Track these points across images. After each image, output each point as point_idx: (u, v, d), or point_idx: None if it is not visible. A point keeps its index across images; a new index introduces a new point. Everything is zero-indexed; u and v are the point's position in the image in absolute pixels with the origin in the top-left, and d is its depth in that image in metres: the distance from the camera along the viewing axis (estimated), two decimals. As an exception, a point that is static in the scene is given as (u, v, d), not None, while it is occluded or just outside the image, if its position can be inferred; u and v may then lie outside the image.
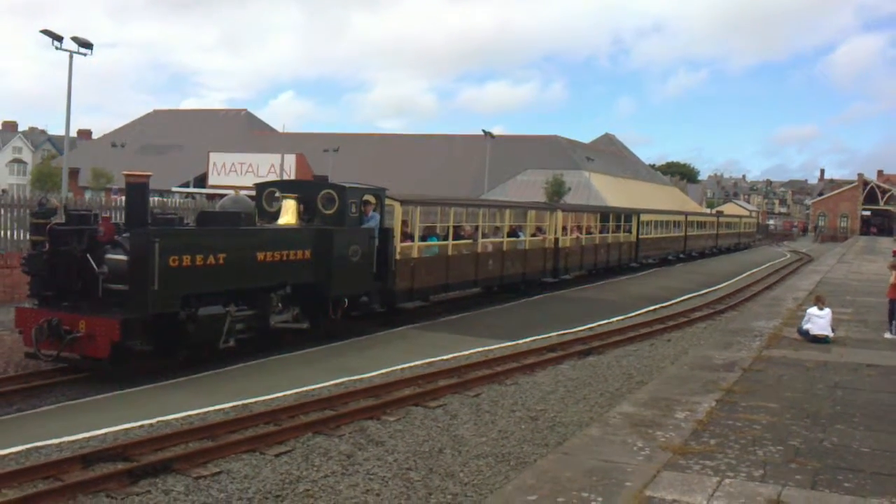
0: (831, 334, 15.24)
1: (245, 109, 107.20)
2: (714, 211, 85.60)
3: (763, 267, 42.54)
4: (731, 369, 12.86)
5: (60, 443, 9.01)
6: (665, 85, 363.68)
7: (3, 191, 66.95)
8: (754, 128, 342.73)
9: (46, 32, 30.48)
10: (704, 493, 6.95)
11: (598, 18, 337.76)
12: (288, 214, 15.70)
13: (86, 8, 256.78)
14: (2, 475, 7.79)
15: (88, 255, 12.35)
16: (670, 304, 24.50)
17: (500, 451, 9.49)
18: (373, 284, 16.77)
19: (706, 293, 28.12)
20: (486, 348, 15.72)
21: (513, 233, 24.38)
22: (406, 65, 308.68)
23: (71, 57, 31.41)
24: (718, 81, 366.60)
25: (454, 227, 21.01)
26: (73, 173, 72.05)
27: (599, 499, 6.81)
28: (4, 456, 8.53)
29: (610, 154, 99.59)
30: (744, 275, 36.77)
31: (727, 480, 7.31)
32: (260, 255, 13.90)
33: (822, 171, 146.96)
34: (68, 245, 12.44)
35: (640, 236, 36.11)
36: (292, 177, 61.69)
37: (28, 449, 8.75)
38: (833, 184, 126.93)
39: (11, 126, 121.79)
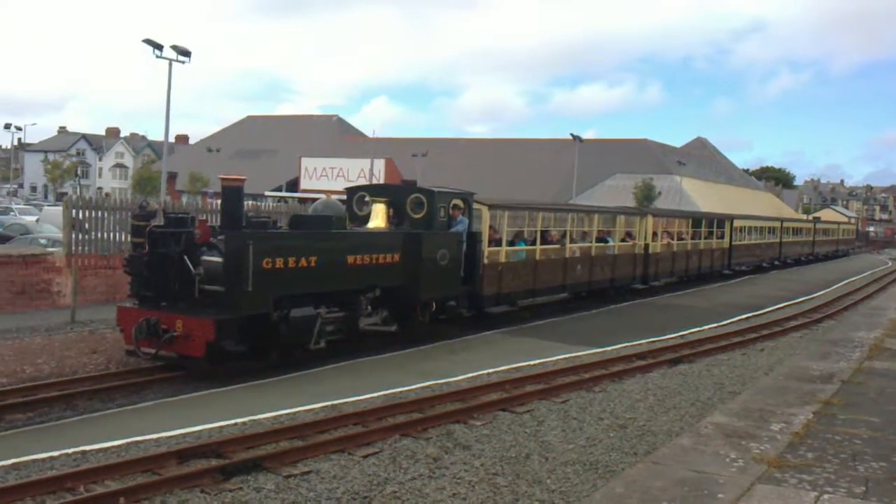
0: (937, 346, 14.59)
1: (336, 115, 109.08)
2: (811, 217, 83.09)
3: (863, 275, 41.04)
4: (829, 381, 12.45)
5: (158, 438, 9.30)
6: (765, 87, 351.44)
7: (107, 194, 69.69)
8: (858, 130, 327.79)
9: (148, 41, 31.60)
10: (801, 508, 6.75)
11: (697, 19, 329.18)
12: (378, 218, 15.87)
13: (184, 15, 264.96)
14: (105, 467, 8.09)
15: (185, 257, 12.71)
16: (764, 313, 23.82)
17: (588, 459, 9.38)
18: (461, 288, 16.81)
19: (802, 301, 27.26)
20: (574, 354, 15.57)
21: (601, 238, 24.11)
22: (498, 69, 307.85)
23: (170, 65, 32.50)
24: (822, 82, 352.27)
25: (542, 231, 20.90)
26: (171, 177, 74.41)
27: (691, 510, 6.68)
28: (107, 448, 8.85)
29: (702, 158, 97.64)
30: (842, 283, 35.54)
31: (826, 496, 7.07)
32: (350, 258, 14.09)
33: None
34: (166, 247, 12.84)
35: (733, 242, 35.27)
36: (381, 181, 62.39)
37: (128, 443, 9.06)
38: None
39: (114, 132, 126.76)
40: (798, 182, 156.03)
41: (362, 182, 57.90)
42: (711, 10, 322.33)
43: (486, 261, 17.83)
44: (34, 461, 8.36)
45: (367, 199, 16.72)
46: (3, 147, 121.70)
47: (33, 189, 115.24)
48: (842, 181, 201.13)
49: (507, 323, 18.98)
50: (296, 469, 8.48)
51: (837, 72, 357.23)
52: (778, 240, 43.34)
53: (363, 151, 78.82)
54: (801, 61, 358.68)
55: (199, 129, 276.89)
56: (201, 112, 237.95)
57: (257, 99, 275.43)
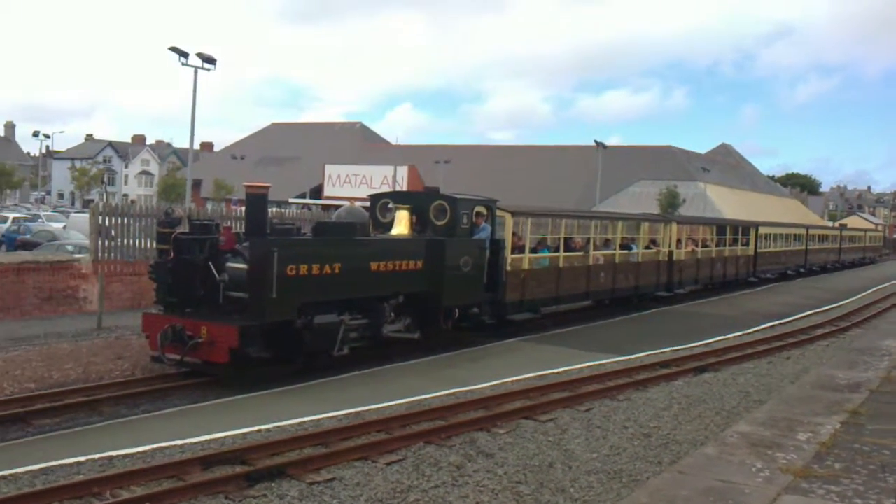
0: (967, 356, 14.39)
1: (360, 122, 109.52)
2: (837, 224, 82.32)
3: (891, 283, 40.53)
4: (856, 390, 12.32)
5: (183, 444, 9.35)
6: (793, 92, 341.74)
7: (132, 201, 70.30)
8: (888, 136, 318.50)
9: (174, 49, 31.86)
10: (829, 519, 6.66)
11: (725, 24, 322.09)
12: (401, 225, 15.90)
13: (210, 22, 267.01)
14: (131, 472, 8.16)
15: (210, 264, 12.80)
16: (790, 321, 23.61)
17: (612, 468, 9.34)
18: (484, 296, 16.79)
19: (828, 309, 26.99)
20: (598, 362, 15.50)
21: (625, 245, 24.01)
22: (524, 74, 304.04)
23: (196, 72, 32.74)
24: (851, 87, 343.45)
25: (565, 238, 20.85)
26: (196, 184, 75.01)
27: (716, 521, 6.62)
28: (133, 454, 8.92)
29: (727, 165, 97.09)
30: (869, 290, 35.15)
31: (853, 507, 6.99)
32: (374, 265, 14.12)
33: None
34: (191, 253, 12.93)
35: (759, 250, 35.01)
36: (404, 188, 62.52)
37: (154, 449, 9.12)
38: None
39: (140, 140, 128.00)
40: (824, 189, 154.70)
41: (385, 189, 58.05)
42: (739, 15, 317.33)
43: (509, 268, 17.80)
44: (62, 466, 8.45)
45: (390, 205, 16.76)
46: (32, 155, 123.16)
47: (60, 196, 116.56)
48: (868, 187, 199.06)
49: (530, 330, 18.94)
50: (319, 476, 8.50)
51: (868, 76, 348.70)
52: (804, 247, 42.96)
53: (386, 158, 79.09)
54: (830, 66, 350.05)
55: (224, 135, 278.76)
56: (226, 119, 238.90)
57: (282, 106, 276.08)
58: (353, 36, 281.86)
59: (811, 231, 46.28)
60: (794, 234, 42.29)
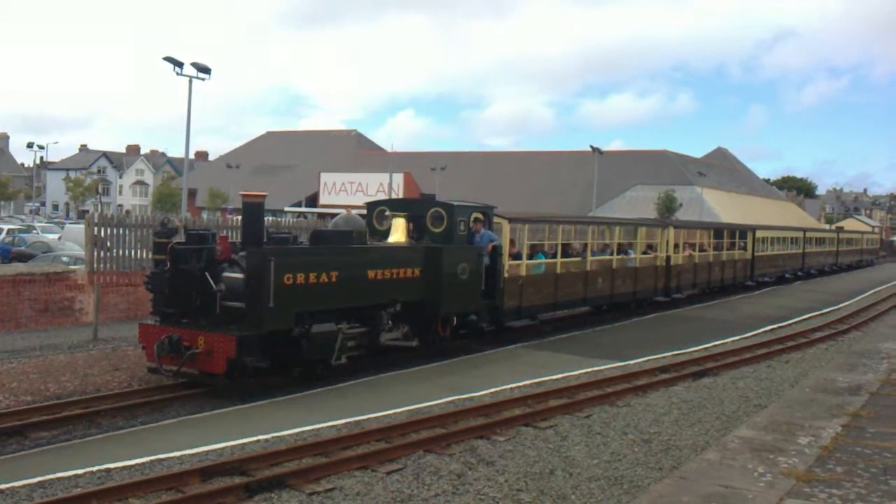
0: (967, 357, 14.37)
1: (355, 130, 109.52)
2: (833, 227, 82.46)
3: (888, 285, 40.59)
4: (856, 393, 12.30)
5: (181, 455, 9.29)
6: (799, 94, 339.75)
7: (127, 212, 70.17)
8: (892, 138, 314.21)
9: (168, 59, 31.85)
10: (833, 524, 6.62)
11: (733, 26, 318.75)
12: (398, 233, 15.87)
13: (211, 31, 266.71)
14: (129, 485, 8.09)
15: (207, 274, 12.74)
16: (789, 324, 23.60)
17: (613, 474, 9.29)
18: (481, 303, 16.75)
19: (827, 312, 26.98)
20: (597, 368, 15.47)
21: (623, 251, 24.00)
22: (529, 79, 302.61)
23: (190, 82, 32.73)
24: (857, 90, 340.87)
25: (563, 244, 20.82)
26: (191, 194, 74.93)
27: (719, 527, 6.57)
28: (131, 466, 8.86)
29: (722, 169, 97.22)
30: (867, 293, 35.18)
31: (857, 511, 6.95)
32: (371, 273, 14.07)
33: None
34: (188, 264, 12.87)
35: (756, 253, 35.02)
36: (400, 195, 62.48)
37: (152, 461, 9.06)
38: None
39: (134, 149, 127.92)
40: (820, 192, 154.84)
41: (381, 196, 58.02)
42: (748, 17, 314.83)
43: (506, 274, 17.77)
44: (59, 479, 8.39)
45: (387, 213, 16.72)
46: (26, 166, 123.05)
47: (55, 207, 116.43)
48: (865, 190, 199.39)
49: (528, 337, 18.90)
50: (319, 486, 8.44)
51: (874, 78, 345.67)
52: (801, 250, 43.00)
53: (382, 166, 79.09)
54: (836, 68, 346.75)
55: (219, 145, 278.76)
56: (222, 128, 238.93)
57: (280, 114, 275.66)
58: (353, 42, 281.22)
59: (808, 234, 46.32)
60: (792, 238, 42.33)
